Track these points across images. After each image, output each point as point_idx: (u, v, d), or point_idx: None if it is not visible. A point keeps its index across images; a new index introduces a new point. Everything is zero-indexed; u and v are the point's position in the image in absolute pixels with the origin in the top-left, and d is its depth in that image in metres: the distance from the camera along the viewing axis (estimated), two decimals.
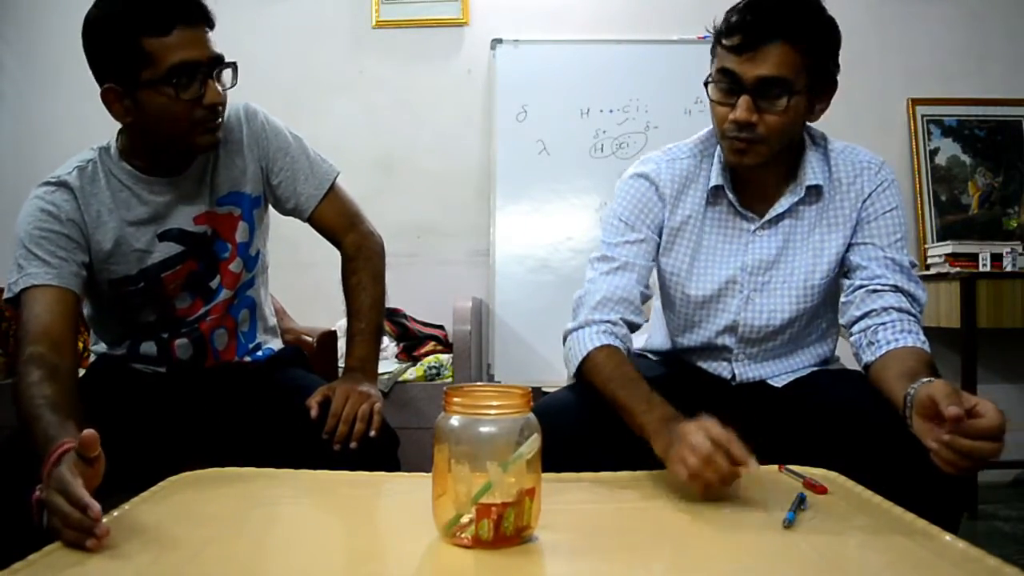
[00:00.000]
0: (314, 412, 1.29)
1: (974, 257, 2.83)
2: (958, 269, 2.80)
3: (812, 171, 1.33)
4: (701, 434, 0.96)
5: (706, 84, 1.27)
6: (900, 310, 1.24)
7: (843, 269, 1.36)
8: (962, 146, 3.16)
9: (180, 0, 1.23)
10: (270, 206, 1.52)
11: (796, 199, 1.33)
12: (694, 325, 1.41)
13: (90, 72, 1.34)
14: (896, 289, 1.27)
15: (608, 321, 1.30)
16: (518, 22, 3.16)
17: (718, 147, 1.35)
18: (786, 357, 1.41)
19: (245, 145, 1.42)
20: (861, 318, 1.27)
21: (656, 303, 1.57)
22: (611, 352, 1.26)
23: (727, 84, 1.23)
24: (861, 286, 1.29)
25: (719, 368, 1.42)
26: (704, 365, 1.43)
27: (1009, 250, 2.79)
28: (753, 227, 1.35)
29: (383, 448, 1.31)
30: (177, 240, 1.39)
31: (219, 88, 1.27)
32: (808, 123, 1.33)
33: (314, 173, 1.47)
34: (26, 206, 1.32)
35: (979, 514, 2.65)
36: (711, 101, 1.27)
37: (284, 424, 1.35)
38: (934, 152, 3.16)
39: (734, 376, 1.41)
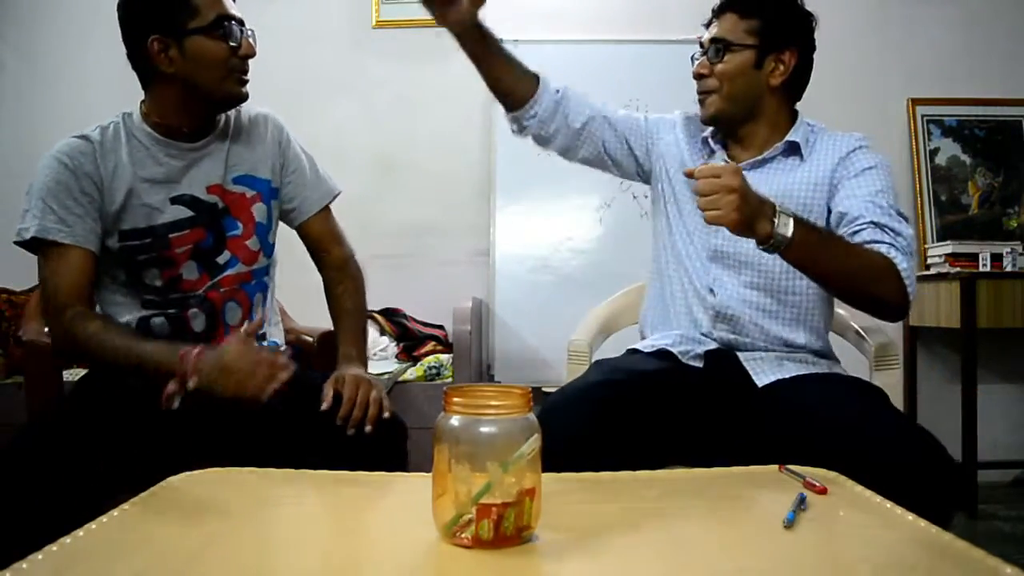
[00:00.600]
0: (326, 404, 1.34)
1: (974, 257, 2.83)
2: (958, 269, 2.80)
3: (794, 132, 1.51)
4: None
5: (692, 59, 1.53)
6: (876, 241, 1.33)
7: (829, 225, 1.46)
8: (962, 146, 3.17)
9: None
10: None
11: (776, 152, 1.50)
12: (687, 256, 1.53)
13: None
14: (873, 224, 1.35)
15: None
16: (518, 22, 3.15)
17: None
18: (770, 313, 1.45)
19: (267, 140, 1.53)
20: None
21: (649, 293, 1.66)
22: None
23: (697, 53, 1.52)
24: (843, 232, 1.38)
25: (705, 299, 1.48)
26: (692, 301, 1.50)
27: (1009, 250, 2.79)
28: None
29: (392, 438, 1.36)
30: (188, 205, 1.44)
31: (251, 42, 1.40)
32: (771, 87, 1.48)
33: (319, 184, 1.59)
34: (45, 158, 1.39)
35: (979, 514, 2.65)
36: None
37: (289, 422, 1.35)
38: (934, 152, 3.16)
39: (717, 302, 1.47)
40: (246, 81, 1.42)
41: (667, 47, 2.99)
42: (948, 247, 2.90)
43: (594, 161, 1.61)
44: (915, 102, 3.16)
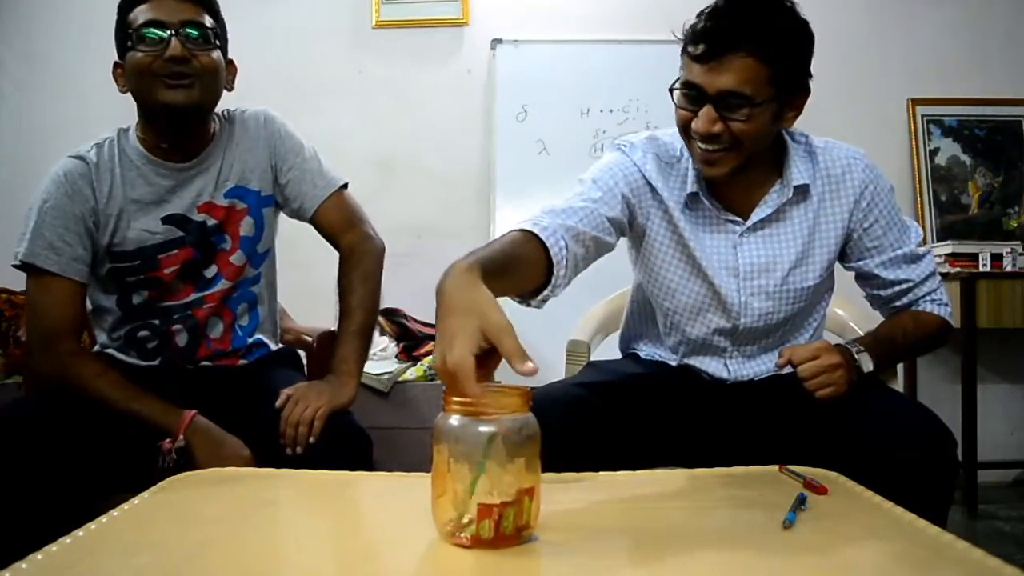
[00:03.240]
0: (278, 403, 1.34)
1: (974, 257, 2.83)
2: (958, 269, 2.80)
3: (797, 170, 1.32)
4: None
5: (671, 90, 1.27)
6: (920, 298, 1.38)
7: (851, 266, 1.41)
8: (962, 146, 3.16)
9: None
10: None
11: (783, 200, 1.33)
12: (688, 328, 1.41)
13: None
14: (914, 284, 1.37)
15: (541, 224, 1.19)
16: (518, 22, 3.16)
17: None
18: (777, 349, 1.42)
19: (259, 144, 1.49)
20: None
21: (634, 308, 1.58)
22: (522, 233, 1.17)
23: (692, 93, 1.22)
24: (889, 298, 1.39)
25: (713, 365, 1.42)
26: (697, 362, 1.43)
27: (1009, 250, 2.79)
28: (740, 230, 1.35)
29: (350, 450, 1.32)
30: (178, 225, 1.43)
31: (187, 47, 1.34)
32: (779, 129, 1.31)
33: (322, 176, 1.53)
34: (44, 179, 1.39)
35: (979, 514, 2.65)
36: (676, 106, 1.26)
37: (262, 424, 1.36)
38: (934, 152, 3.16)
39: (728, 372, 1.41)
40: (179, 85, 1.35)
41: (667, 47, 2.96)
42: (948, 247, 2.90)
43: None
44: (915, 102, 3.16)
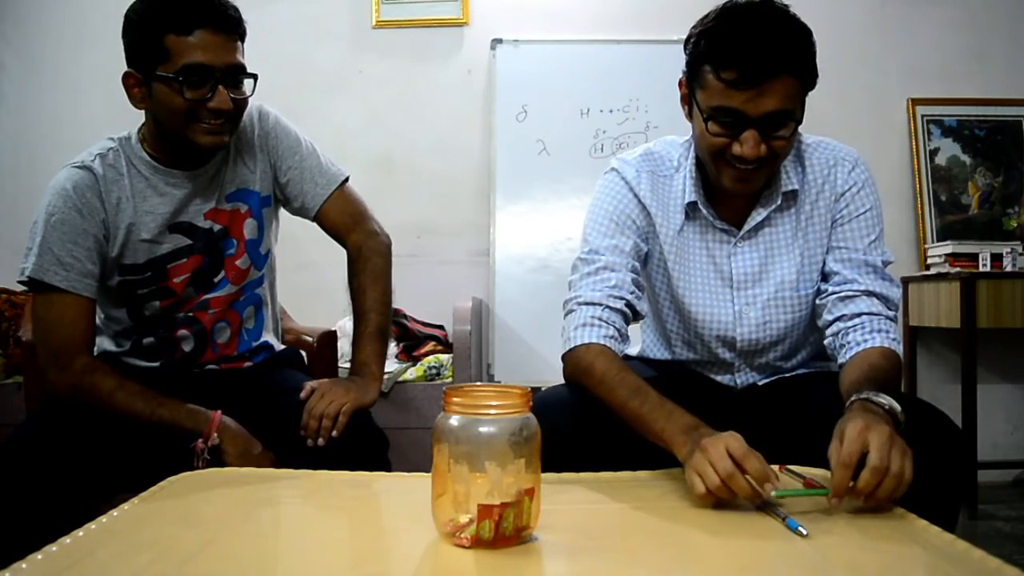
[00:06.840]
0: (303, 394, 1.34)
1: (974, 257, 2.83)
2: (958, 269, 2.80)
3: (786, 175, 1.30)
4: (723, 449, 0.94)
5: (706, 120, 1.20)
6: (871, 314, 1.25)
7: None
8: (962, 146, 3.16)
9: (209, 5, 1.27)
10: (280, 206, 1.54)
11: (772, 207, 1.31)
12: (691, 341, 1.40)
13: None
14: (869, 293, 1.26)
15: (599, 319, 1.26)
16: (518, 22, 3.16)
17: (690, 161, 1.33)
18: (788, 360, 1.40)
19: (256, 145, 1.45)
20: (834, 322, 1.28)
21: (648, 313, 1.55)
22: (605, 352, 1.23)
23: (729, 119, 1.18)
24: (835, 292, 1.29)
25: (721, 378, 1.41)
26: (706, 374, 1.42)
27: (1009, 250, 2.79)
28: (733, 240, 1.33)
29: (369, 449, 1.33)
30: (186, 233, 1.41)
31: (229, 95, 1.30)
32: None
33: (322, 173, 1.49)
34: (50, 189, 1.34)
35: (979, 514, 2.65)
36: (706, 133, 1.21)
37: (273, 424, 1.36)
38: (934, 152, 3.16)
39: (736, 385, 1.40)
40: (220, 131, 1.32)
41: (667, 47, 2.98)
42: (948, 247, 2.90)
43: None
44: (915, 102, 3.16)
